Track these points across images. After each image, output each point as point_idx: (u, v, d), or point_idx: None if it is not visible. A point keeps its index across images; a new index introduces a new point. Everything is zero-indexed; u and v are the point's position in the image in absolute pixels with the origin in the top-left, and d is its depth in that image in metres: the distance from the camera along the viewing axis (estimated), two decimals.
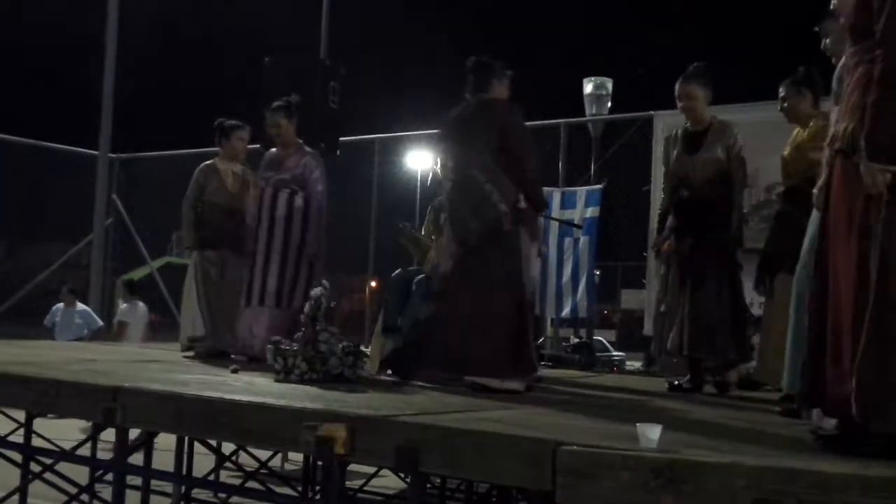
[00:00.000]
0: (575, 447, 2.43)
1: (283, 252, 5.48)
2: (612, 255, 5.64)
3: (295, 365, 4.03)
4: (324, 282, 4.29)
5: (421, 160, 16.79)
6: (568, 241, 9.15)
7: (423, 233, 5.41)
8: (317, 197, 5.60)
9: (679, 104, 4.97)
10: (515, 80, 4.62)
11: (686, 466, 2.28)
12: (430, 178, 5.11)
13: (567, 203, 9.03)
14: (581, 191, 9.07)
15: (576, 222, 8.44)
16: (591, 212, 8.96)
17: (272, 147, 5.91)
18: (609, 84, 11.16)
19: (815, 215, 3.45)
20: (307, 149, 5.78)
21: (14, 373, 3.84)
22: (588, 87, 11.18)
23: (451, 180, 4.38)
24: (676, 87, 4.93)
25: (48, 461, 4.29)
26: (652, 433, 2.45)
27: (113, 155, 11.57)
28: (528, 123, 8.80)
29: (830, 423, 2.73)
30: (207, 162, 6.30)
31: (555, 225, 8.82)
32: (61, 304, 10.71)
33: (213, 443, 5.58)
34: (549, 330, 11.15)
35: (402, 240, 5.46)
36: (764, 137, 8.11)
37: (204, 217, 6.07)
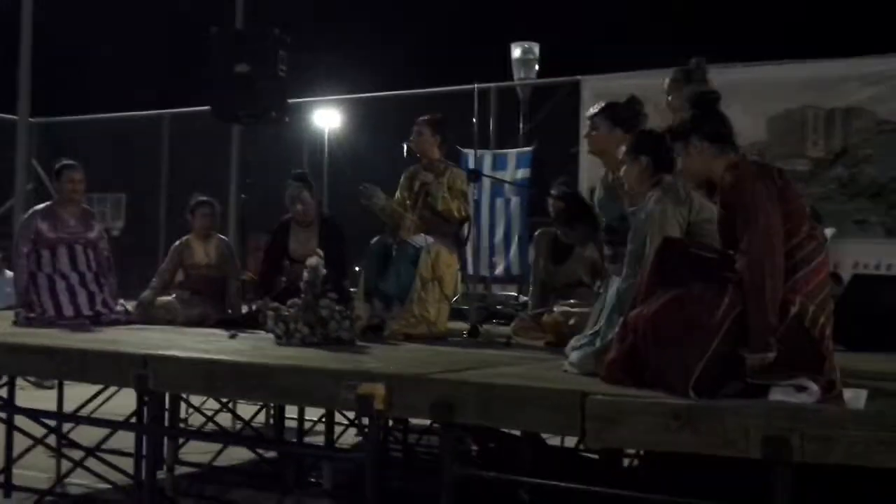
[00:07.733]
0: (601, 396, 2.79)
1: None
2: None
3: (296, 329, 4.28)
4: (318, 250, 4.53)
5: (328, 119, 17.09)
6: (500, 201, 9.54)
7: (395, 197, 5.55)
8: None
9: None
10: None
11: (702, 410, 2.65)
12: (405, 151, 5.29)
13: (499, 165, 9.41)
14: (511, 153, 9.44)
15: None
16: (522, 173, 9.41)
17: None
18: (536, 49, 11.50)
19: None
20: None
21: (38, 343, 4.00)
22: (516, 52, 11.50)
23: None
24: None
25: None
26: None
27: (33, 120, 11.38)
28: (458, 87, 9.20)
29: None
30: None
31: (487, 186, 9.19)
32: None
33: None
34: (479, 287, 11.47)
35: (363, 200, 5.51)
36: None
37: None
